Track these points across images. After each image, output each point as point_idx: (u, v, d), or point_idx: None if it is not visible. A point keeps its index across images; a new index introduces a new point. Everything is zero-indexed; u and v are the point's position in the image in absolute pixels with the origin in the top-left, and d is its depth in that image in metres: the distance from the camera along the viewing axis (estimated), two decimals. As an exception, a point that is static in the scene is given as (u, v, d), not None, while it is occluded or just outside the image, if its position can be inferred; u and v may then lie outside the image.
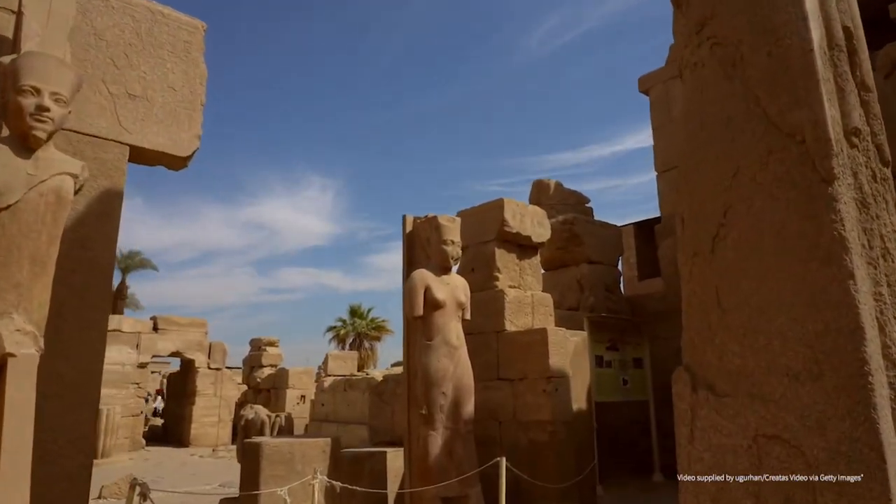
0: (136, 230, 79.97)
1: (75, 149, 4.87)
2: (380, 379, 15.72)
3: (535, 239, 7.74)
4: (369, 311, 37.72)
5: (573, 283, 10.12)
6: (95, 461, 13.89)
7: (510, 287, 7.40)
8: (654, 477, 8.77)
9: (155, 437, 21.76)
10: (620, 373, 8.60)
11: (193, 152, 5.68)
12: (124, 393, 17.81)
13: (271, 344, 22.89)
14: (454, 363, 6.19)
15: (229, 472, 11.97)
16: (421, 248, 6.81)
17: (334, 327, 36.98)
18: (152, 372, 35.67)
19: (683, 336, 2.62)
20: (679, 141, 3.15)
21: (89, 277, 4.79)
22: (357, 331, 36.56)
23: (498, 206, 7.46)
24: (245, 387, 23.22)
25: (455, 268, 6.78)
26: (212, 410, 19.09)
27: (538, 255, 8.06)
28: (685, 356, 2.65)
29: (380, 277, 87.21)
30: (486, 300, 7.22)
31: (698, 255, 2.51)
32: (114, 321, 18.26)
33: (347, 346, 34.96)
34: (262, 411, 7.96)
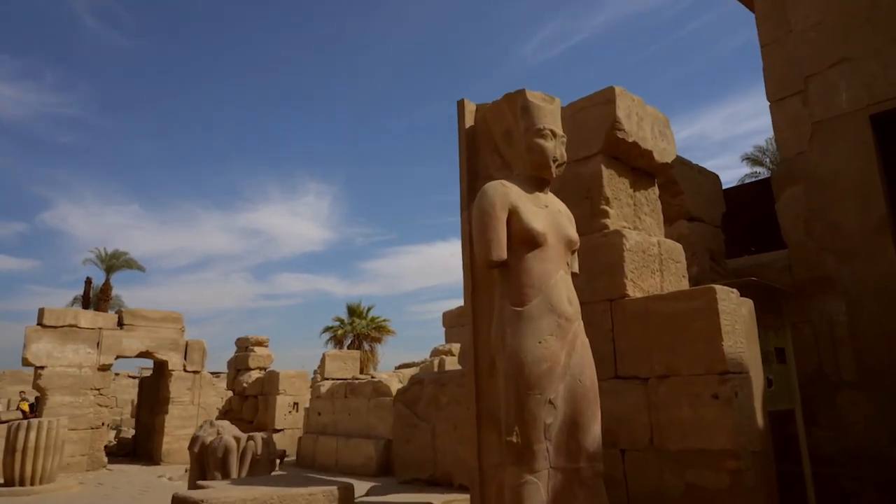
0: (132, 236, 77.33)
1: None
2: (393, 383, 12.83)
3: (657, 157, 4.89)
4: (369, 310, 34.86)
5: (667, 246, 7.31)
6: (29, 489, 10.93)
7: (625, 227, 4.55)
8: (811, 522, 5.95)
9: (125, 452, 18.86)
10: (765, 369, 5.78)
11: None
12: (81, 401, 14.91)
13: (260, 343, 19.97)
14: (567, 347, 3.37)
15: None
16: (492, 152, 3.98)
17: (331, 328, 34.07)
18: (130, 376, 32.70)
19: None
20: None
21: None
22: (356, 331, 33.65)
23: (607, 98, 4.60)
24: (230, 393, 20.31)
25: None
26: (188, 421, 16.14)
27: (656, 185, 5.22)
28: None
29: (376, 282, 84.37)
30: (590, 249, 4.39)
31: None
32: (69, 315, 15.33)
33: (345, 348, 32.08)
34: (227, 430, 5.12)
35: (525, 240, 3.40)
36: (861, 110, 7.27)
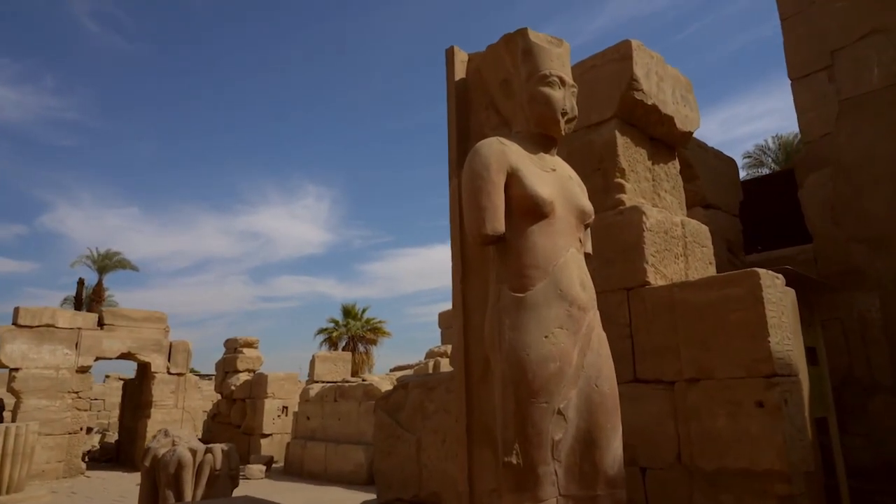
0: (131, 238, 76.83)
1: None
2: (385, 386, 12.14)
3: (679, 124, 4.22)
4: (364, 311, 34.13)
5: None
6: (-5, 498, 10.19)
7: (643, 204, 3.85)
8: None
9: (108, 458, 18.13)
10: (797, 372, 5.11)
11: None
12: (58, 404, 14.19)
13: (249, 345, 19.26)
14: (580, 343, 2.70)
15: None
16: (487, 108, 3.31)
17: (326, 329, 33.34)
18: (120, 379, 31.89)
19: None
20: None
21: None
22: (351, 333, 32.93)
23: (622, 54, 3.91)
24: (219, 396, 19.61)
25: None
26: (171, 425, 15.41)
27: (676, 159, 4.55)
28: None
29: (374, 284, 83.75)
30: (603, 229, 3.71)
31: None
32: (46, 314, 14.60)
33: (340, 350, 31.34)
34: (184, 441, 4.40)
35: (528, 209, 2.72)
36: (895, 86, 6.62)
